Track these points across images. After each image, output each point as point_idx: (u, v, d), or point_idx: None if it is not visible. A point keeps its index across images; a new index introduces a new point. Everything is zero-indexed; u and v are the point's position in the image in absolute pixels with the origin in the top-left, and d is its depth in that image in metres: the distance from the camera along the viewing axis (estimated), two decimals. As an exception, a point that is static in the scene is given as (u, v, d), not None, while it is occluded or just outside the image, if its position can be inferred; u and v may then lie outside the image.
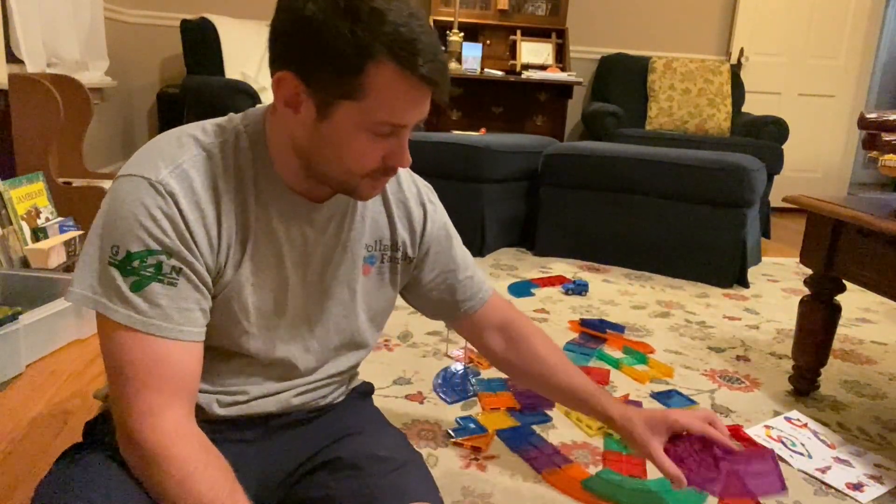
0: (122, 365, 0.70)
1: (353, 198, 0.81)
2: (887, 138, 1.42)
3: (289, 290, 0.83)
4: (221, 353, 0.82)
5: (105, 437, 0.77)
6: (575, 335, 1.99)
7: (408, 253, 0.94)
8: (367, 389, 1.06)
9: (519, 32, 4.15)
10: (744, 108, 4.25)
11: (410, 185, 0.94)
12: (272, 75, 0.72)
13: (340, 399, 0.98)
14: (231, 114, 0.82)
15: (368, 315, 0.93)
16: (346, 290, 0.88)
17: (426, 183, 0.98)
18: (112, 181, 0.75)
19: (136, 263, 0.70)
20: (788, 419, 1.55)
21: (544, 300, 2.31)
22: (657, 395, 1.62)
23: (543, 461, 1.30)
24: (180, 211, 0.71)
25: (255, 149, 0.78)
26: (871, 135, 1.46)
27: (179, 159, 0.73)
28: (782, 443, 1.43)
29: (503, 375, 1.65)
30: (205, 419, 0.78)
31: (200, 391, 0.81)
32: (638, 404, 1.56)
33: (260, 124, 0.79)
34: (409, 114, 0.72)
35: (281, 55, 0.71)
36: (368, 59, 0.67)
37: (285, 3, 0.71)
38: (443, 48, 0.73)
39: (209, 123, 0.79)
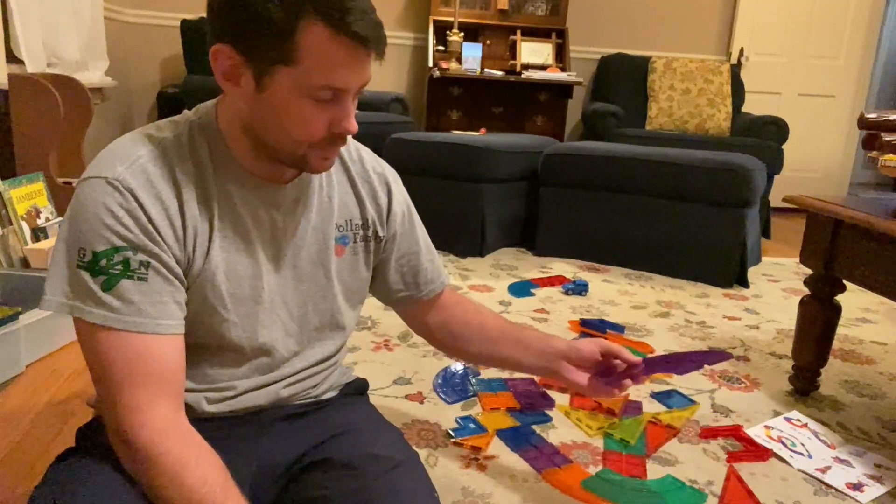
0: (103, 365, 0.71)
1: (306, 171, 0.81)
2: (887, 138, 1.42)
3: (262, 274, 0.83)
4: (205, 349, 0.82)
5: (98, 441, 0.77)
6: (575, 335, 1.99)
7: (378, 232, 0.94)
8: (361, 386, 1.06)
9: (519, 32, 4.15)
10: (744, 108, 4.25)
11: (375, 166, 0.95)
12: (209, 51, 0.73)
13: (333, 394, 0.98)
14: (186, 110, 0.82)
15: (345, 295, 0.93)
16: (321, 270, 0.88)
17: (389, 166, 0.99)
18: (75, 187, 0.75)
19: (103, 263, 0.70)
20: (788, 419, 1.55)
21: (544, 300, 2.31)
22: (657, 395, 1.62)
23: (543, 461, 1.30)
24: (140, 205, 0.72)
25: (209, 138, 0.79)
26: (871, 135, 1.46)
27: (135, 155, 0.74)
28: (782, 443, 1.43)
29: (503, 375, 1.65)
30: (195, 418, 0.78)
31: (188, 390, 0.81)
32: (638, 405, 1.56)
33: (212, 114, 0.80)
34: (346, 76, 0.71)
35: (215, 29, 0.72)
36: (298, 21, 0.67)
37: None
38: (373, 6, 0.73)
39: (163, 121, 0.80)
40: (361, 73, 0.72)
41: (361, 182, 0.92)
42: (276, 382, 0.88)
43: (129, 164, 0.73)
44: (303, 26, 0.67)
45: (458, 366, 1.69)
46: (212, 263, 0.78)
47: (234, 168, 0.79)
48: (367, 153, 0.96)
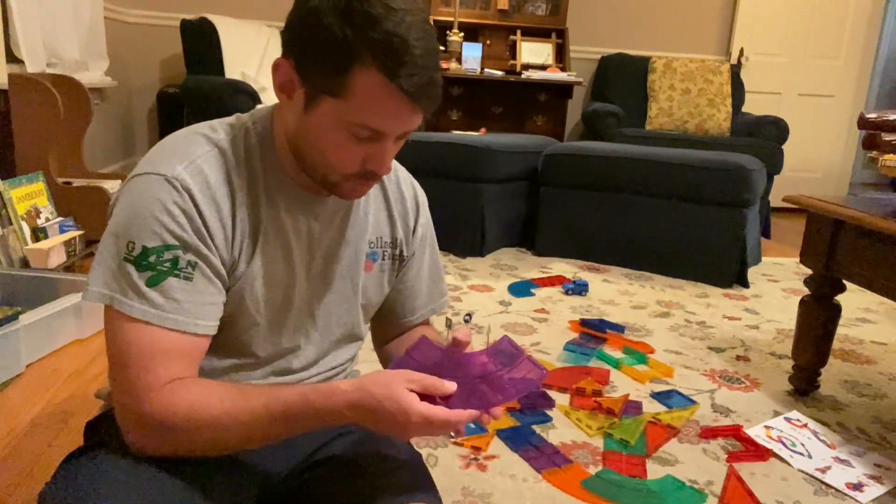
0: (129, 355, 0.70)
1: (336, 195, 0.82)
2: (887, 138, 1.42)
3: (296, 283, 0.84)
4: (228, 348, 0.82)
5: (109, 437, 0.77)
6: (575, 335, 1.99)
7: (403, 252, 0.95)
8: None
9: (519, 32, 4.15)
10: (744, 108, 4.25)
11: (408, 188, 0.96)
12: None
13: None
14: (238, 114, 0.83)
15: (364, 309, 0.94)
16: (349, 284, 0.89)
17: (421, 189, 1.00)
18: (124, 182, 0.76)
19: (152, 259, 0.71)
20: (788, 419, 1.55)
21: (544, 300, 2.31)
22: (657, 395, 1.62)
23: (543, 461, 1.30)
24: (196, 206, 0.72)
25: (262, 145, 0.80)
26: (871, 135, 1.46)
27: (193, 155, 0.75)
28: (782, 443, 1.43)
29: (503, 375, 1.65)
30: None
31: None
32: (638, 405, 1.56)
33: (267, 121, 0.81)
34: (389, 123, 0.72)
35: (285, 43, 0.74)
36: (354, 62, 0.68)
37: None
38: (439, 65, 0.72)
39: (217, 122, 0.81)
40: (405, 123, 0.73)
41: (395, 201, 0.93)
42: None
43: (187, 163, 0.74)
44: (358, 68, 0.68)
45: (458, 366, 1.68)
46: (254, 268, 0.79)
47: (281, 176, 0.80)
48: (402, 172, 0.97)
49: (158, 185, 0.72)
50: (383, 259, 0.93)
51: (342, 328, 0.91)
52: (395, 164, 0.95)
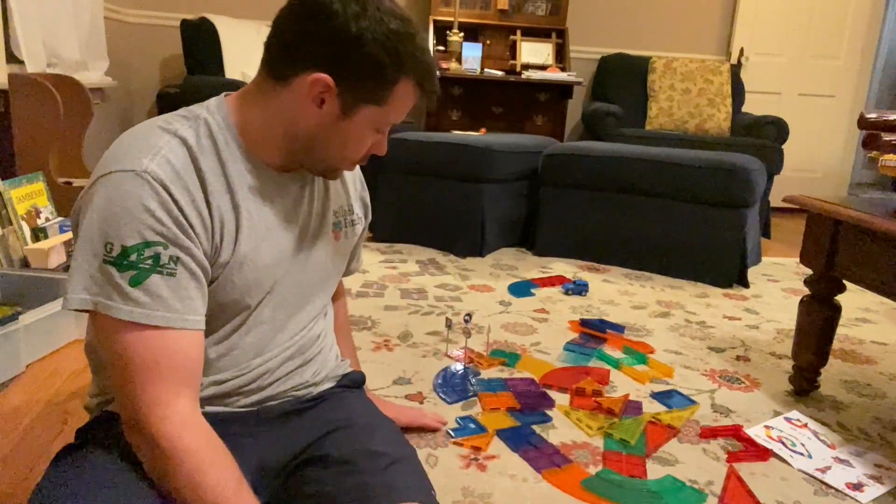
0: (126, 359, 0.70)
1: (326, 178, 0.91)
2: (887, 138, 1.42)
3: (281, 261, 0.86)
4: (215, 331, 0.84)
5: (98, 440, 0.78)
6: (575, 335, 1.99)
7: (361, 219, 1.03)
8: (358, 378, 1.07)
9: (519, 32, 4.16)
10: (744, 108, 4.25)
11: None
12: (296, 71, 0.77)
13: (329, 385, 0.99)
14: (186, 107, 0.84)
15: (333, 280, 1.01)
16: (324, 255, 0.94)
17: None
18: (88, 186, 0.73)
19: (133, 257, 0.70)
20: (788, 419, 1.55)
21: (544, 300, 2.31)
22: (657, 395, 1.62)
23: (543, 461, 1.30)
24: (172, 197, 0.72)
25: (225, 134, 0.81)
26: (871, 135, 1.46)
27: (156, 147, 0.74)
28: (782, 443, 1.43)
29: (503, 375, 1.65)
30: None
31: (223, 381, 0.86)
32: (638, 405, 1.56)
33: (224, 110, 0.82)
34: (402, 116, 0.85)
35: (312, 55, 0.76)
36: (401, 75, 0.79)
37: (323, 11, 0.74)
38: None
39: (170, 115, 0.81)
40: None
41: (348, 174, 1.01)
42: (275, 351, 0.90)
43: (152, 155, 0.73)
44: (403, 80, 0.79)
45: (457, 366, 1.69)
46: (240, 253, 0.80)
47: (245, 162, 0.82)
48: None
49: (130, 181, 0.71)
50: (346, 227, 0.98)
51: (323, 299, 0.97)
52: None
